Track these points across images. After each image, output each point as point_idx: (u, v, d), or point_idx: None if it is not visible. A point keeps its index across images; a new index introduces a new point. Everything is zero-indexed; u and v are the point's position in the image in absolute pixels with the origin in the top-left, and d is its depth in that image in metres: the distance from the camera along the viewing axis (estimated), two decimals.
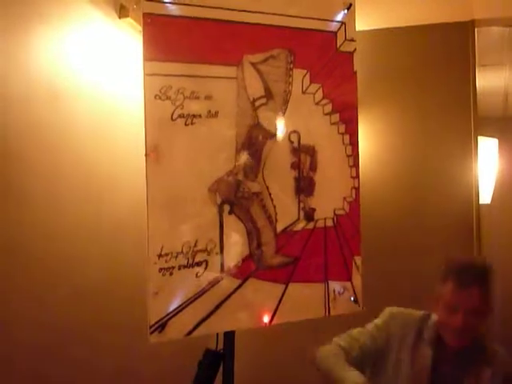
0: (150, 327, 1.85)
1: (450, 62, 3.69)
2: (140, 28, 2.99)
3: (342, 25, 2.20)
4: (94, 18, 2.81)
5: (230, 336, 2.07)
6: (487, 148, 4.40)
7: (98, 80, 2.82)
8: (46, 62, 2.44)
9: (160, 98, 1.88)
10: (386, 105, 3.80)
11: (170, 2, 1.91)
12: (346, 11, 2.21)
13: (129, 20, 3.00)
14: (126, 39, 3.07)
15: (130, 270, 2.86)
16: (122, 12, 3.01)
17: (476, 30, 3.69)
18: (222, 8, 1.99)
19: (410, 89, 3.77)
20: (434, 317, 2.18)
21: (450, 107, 3.64)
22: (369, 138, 3.68)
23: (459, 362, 2.11)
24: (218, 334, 2.05)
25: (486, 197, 4.39)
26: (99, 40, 2.85)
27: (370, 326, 2.25)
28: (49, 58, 2.46)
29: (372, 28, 3.67)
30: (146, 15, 1.88)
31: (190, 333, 1.91)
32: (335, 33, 2.19)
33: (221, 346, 2.06)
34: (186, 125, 1.92)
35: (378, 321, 2.27)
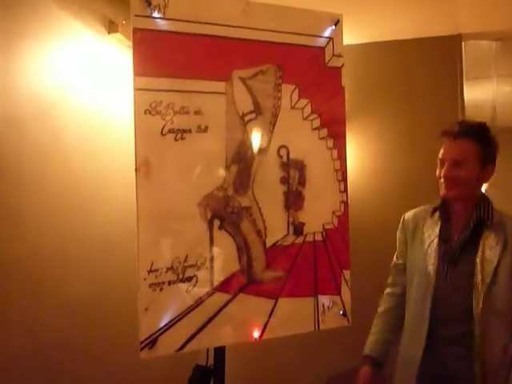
0: (141, 343, 1.84)
1: (438, 75, 3.74)
2: (129, 43, 3.01)
3: (329, 40, 2.22)
4: (83, 34, 2.81)
5: (220, 351, 2.06)
6: None
7: (88, 95, 2.83)
8: (33, 77, 2.44)
9: (150, 112, 1.88)
10: (374, 117, 3.83)
11: (159, 18, 1.92)
12: (333, 27, 2.22)
13: (118, 35, 3.01)
14: (116, 55, 3.07)
15: (119, 283, 2.85)
16: (111, 27, 3.02)
17: (464, 43, 3.77)
18: (210, 23, 2.00)
19: (398, 102, 3.81)
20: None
21: (439, 120, 3.66)
22: (357, 150, 3.71)
23: (465, 231, 2.19)
24: (208, 350, 2.04)
25: None
26: (88, 55, 2.85)
27: (397, 244, 2.46)
28: (37, 74, 2.46)
29: (361, 42, 3.71)
30: (135, 30, 1.89)
31: (180, 348, 1.90)
32: (323, 48, 2.21)
33: (211, 361, 2.05)
34: (175, 140, 1.92)
35: (397, 233, 2.46)
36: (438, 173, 2.21)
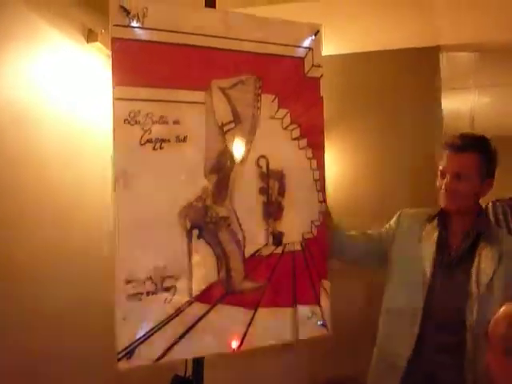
0: (118, 353, 1.83)
1: (417, 86, 3.77)
2: (108, 52, 2.99)
3: (309, 50, 2.22)
4: (62, 43, 2.79)
5: (198, 361, 2.05)
6: None
7: (66, 103, 2.80)
8: (10, 85, 2.41)
9: (129, 122, 1.87)
10: (353, 127, 3.85)
11: (138, 27, 1.91)
12: (313, 37, 2.23)
13: (97, 44, 2.99)
14: (95, 63, 3.06)
15: (98, 294, 2.82)
16: (90, 36, 3.00)
17: (443, 54, 3.81)
18: (190, 33, 1.99)
19: (377, 111, 3.83)
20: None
21: (417, 129, 3.72)
22: (337, 159, 3.72)
23: (465, 240, 2.20)
24: (186, 360, 2.03)
25: None
26: (67, 64, 2.83)
27: (384, 227, 2.47)
28: (14, 82, 2.43)
29: (341, 53, 3.73)
30: (114, 40, 1.88)
31: (158, 359, 1.89)
32: (303, 58, 2.21)
33: (190, 371, 2.04)
34: (154, 149, 1.92)
35: (390, 222, 2.46)
36: (438, 184, 2.23)
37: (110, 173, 1.86)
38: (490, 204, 3.11)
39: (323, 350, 2.26)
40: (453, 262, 2.20)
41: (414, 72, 3.79)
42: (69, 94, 2.83)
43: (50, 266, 2.63)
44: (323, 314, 2.22)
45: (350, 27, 3.53)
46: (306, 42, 2.22)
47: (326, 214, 2.27)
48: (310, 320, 2.20)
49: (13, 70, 2.43)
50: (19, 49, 2.48)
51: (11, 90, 2.41)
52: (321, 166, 2.24)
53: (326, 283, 2.24)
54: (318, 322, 2.21)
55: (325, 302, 2.23)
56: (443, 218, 2.28)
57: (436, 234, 2.26)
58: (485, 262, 2.14)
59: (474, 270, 2.13)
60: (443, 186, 2.19)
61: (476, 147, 2.17)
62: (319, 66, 2.25)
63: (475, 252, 2.17)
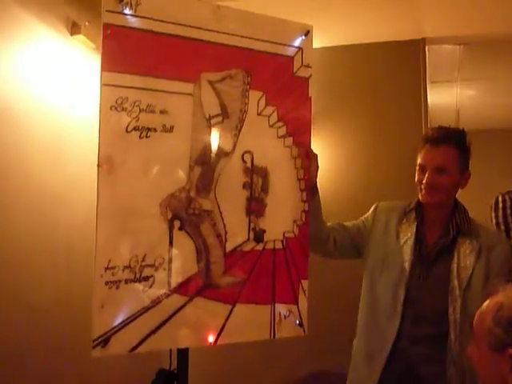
0: (93, 341, 1.81)
1: (402, 78, 3.83)
2: (92, 45, 2.99)
3: (299, 50, 2.23)
4: (45, 35, 2.78)
5: (183, 355, 2.03)
6: None
7: (48, 97, 2.79)
8: None
9: (116, 108, 1.87)
10: (339, 120, 3.89)
11: (130, 15, 1.91)
12: (303, 37, 2.24)
13: (81, 37, 3.00)
14: (78, 56, 3.05)
15: (81, 289, 2.80)
16: (74, 29, 3.00)
17: (428, 47, 3.86)
18: (182, 24, 1.99)
19: (362, 104, 3.89)
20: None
21: (402, 122, 3.76)
22: (322, 153, 3.72)
23: (445, 236, 2.22)
24: (171, 353, 2.01)
25: None
26: (50, 57, 2.82)
27: (359, 219, 2.45)
28: None
29: (324, 46, 3.77)
30: (106, 25, 1.87)
31: (133, 349, 1.87)
32: (292, 57, 2.22)
33: (174, 365, 2.02)
34: (140, 138, 1.91)
35: (366, 215, 2.45)
36: (417, 178, 2.24)
37: (95, 167, 1.85)
38: (500, 197, 3.05)
39: (304, 342, 2.24)
40: (431, 255, 2.21)
41: (399, 65, 3.85)
42: (52, 87, 2.82)
43: (35, 261, 2.62)
44: (301, 313, 2.21)
45: (335, 20, 3.59)
46: (296, 42, 2.23)
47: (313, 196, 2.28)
48: (288, 319, 2.19)
49: None
50: (1, 41, 2.46)
51: None
52: (305, 165, 2.24)
53: (305, 283, 2.23)
54: (296, 322, 2.20)
55: (303, 302, 2.22)
56: (420, 211, 2.29)
57: (414, 228, 2.27)
58: (464, 257, 2.16)
59: (454, 266, 2.15)
60: (424, 180, 2.19)
61: (454, 140, 2.19)
62: (308, 67, 2.26)
63: (454, 246, 2.19)
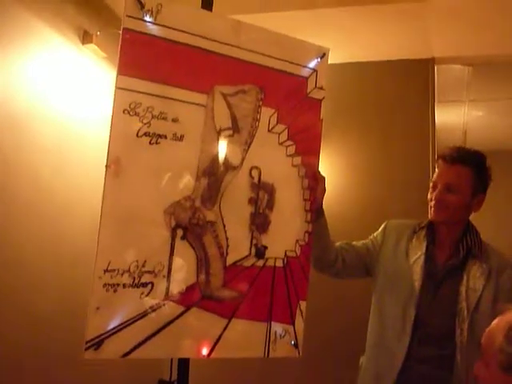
0: (86, 343, 1.79)
1: (410, 97, 3.85)
2: (103, 54, 3.02)
3: (313, 72, 2.25)
4: (57, 44, 2.81)
5: (183, 366, 2.02)
6: None
7: (60, 105, 2.82)
8: (4, 86, 2.43)
9: (128, 112, 1.88)
10: (346, 137, 3.89)
11: (150, 22, 1.93)
12: (319, 59, 2.26)
13: (92, 46, 3.03)
14: (89, 65, 3.07)
15: (85, 299, 2.80)
16: (86, 38, 3.04)
17: (436, 67, 3.88)
18: (200, 36, 2.01)
19: (370, 122, 3.89)
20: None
21: (409, 141, 3.75)
22: (329, 170, 3.72)
23: (455, 256, 2.20)
24: (171, 364, 1.99)
25: None
26: (62, 66, 2.85)
27: (368, 238, 2.44)
28: (7, 83, 2.45)
29: (334, 62, 3.77)
30: (125, 30, 1.89)
31: (126, 354, 1.85)
32: (307, 78, 2.24)
33: (174, 376, 2.00)
34: (150, 143, 1.92)
35: (375, 234, 2.43)
36: (429, 196, 2.24)
37: (101, 174, 1.85)
38: None
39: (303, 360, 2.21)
40: (440, 276, 2.19)
41: (408, 83, 3.86)
42: (63, 95, 2.85)
43: (40, 271, 2.62)
44: (296, 334, 2.19)
45: (344, 38, 3.60)
46: (312, 63, 2.25)
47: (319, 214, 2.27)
48: (283, 339, 2.17)
49: (6, 71, 2.44)
50: (13, 49, 2.50)
51: (4, 90, 2.42)
52: (312, 187, 2.24)
53: (303, 304, 2.21)
54: (291, 342, 2.18)
55: (299, 323, 2.20)
56: (431, 231, 2.28)
57: (424, 247, 2.25)
58: (473, 279, 2.14)
59: (463, 288, 2.13)
60: (433, 197, 2.19)
61: (469, 161, 2.17)
62: (322, 89, 2.27)
63: (464, 268, 2.17)
